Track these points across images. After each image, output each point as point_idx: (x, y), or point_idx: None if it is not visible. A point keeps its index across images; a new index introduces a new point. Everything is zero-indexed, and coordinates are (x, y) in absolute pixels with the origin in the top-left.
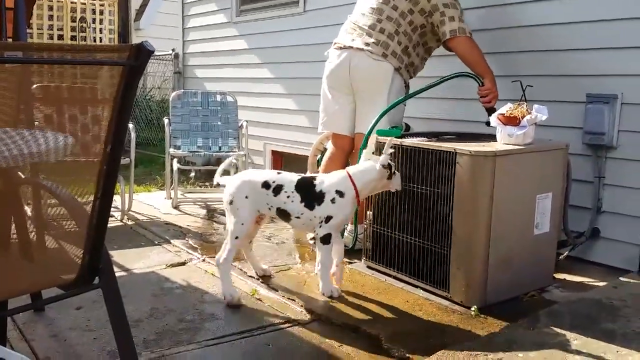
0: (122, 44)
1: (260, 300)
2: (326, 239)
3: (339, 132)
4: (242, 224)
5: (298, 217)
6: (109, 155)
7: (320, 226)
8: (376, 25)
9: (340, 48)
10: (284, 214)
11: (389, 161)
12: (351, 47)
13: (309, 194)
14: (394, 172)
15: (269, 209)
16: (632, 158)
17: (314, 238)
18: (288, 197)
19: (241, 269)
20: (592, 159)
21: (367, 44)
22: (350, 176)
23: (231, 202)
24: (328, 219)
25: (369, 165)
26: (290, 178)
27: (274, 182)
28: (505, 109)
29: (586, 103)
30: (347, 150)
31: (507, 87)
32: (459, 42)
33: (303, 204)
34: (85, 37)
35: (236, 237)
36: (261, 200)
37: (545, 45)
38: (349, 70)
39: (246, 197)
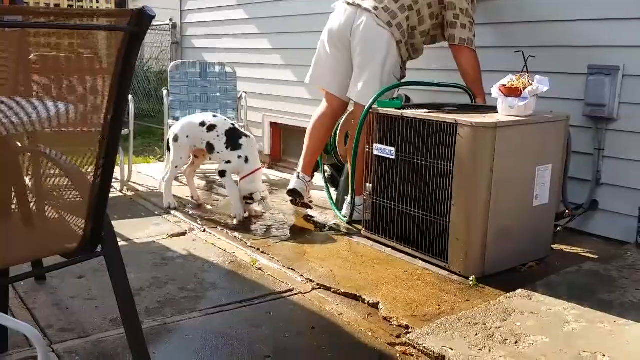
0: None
1: (261, 270)
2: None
3: (328, 90)
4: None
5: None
6: (110, 124)
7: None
8: None
9: (349, 4)
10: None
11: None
12: (360, 6)
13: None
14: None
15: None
16: (633, 130)
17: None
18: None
19: (241, 239)
20: (592, 131)
21: (376, 8)
22: None
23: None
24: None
25: None
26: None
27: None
28: (506, 80)
29: (587, 75)
30: (336, 111)
31: (509, 58)
32: (467, 55)
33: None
34: (82, 6)
35: (176, 167)
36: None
37: (548, 15)
38: (352, 29)
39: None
